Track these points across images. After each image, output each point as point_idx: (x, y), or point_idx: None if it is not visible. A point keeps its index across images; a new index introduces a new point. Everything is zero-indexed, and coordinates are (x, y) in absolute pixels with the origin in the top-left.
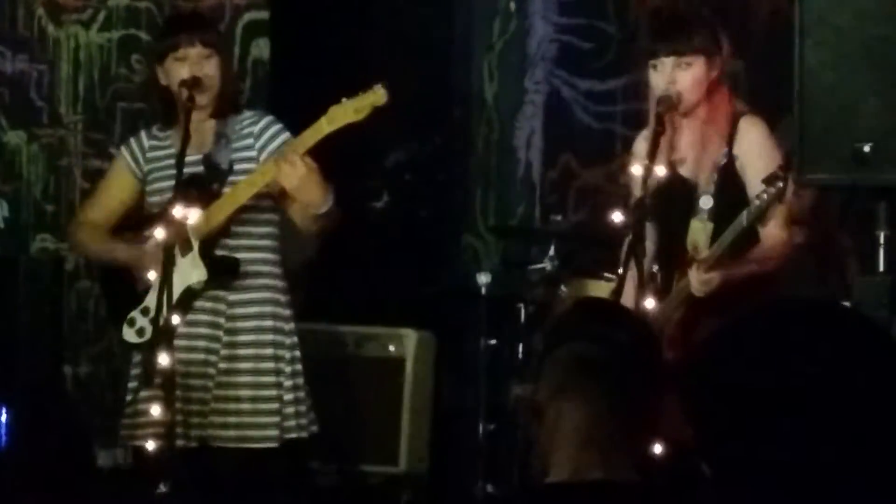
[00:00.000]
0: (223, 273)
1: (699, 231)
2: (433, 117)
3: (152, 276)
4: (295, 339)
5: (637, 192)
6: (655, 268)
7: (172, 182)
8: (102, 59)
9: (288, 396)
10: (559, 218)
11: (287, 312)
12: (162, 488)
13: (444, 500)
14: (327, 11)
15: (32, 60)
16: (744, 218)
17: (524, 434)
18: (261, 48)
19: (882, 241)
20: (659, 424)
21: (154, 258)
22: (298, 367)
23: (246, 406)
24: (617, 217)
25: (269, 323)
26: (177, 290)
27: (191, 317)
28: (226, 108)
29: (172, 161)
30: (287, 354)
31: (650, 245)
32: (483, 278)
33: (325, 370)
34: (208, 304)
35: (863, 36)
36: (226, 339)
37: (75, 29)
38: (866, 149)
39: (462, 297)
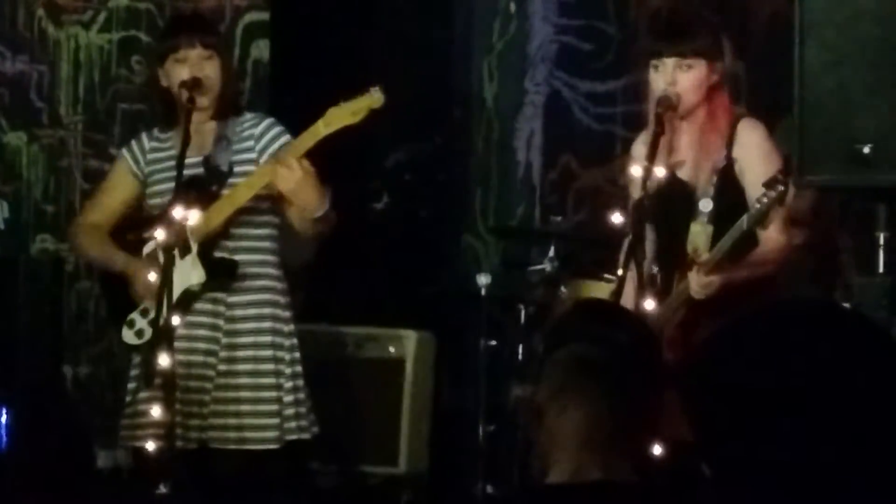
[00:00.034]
0: (221, 275)
1: (699, 234)
2: (433, 118)
3: (152, 277)
4: (294, 340)
5: (636, 193)
6: (655, 269)
7: (173, 184)
8: (102, 60)
9: (288, 398)
10: (559, 219)
11: (286, 314)
12: (162, 489)
13: (444, 501)
14: (327, 12)
15: (33, 61)
16: (744, 222)
17: (524, 435)
18: (261, 49)
19: (881, 242)
20: (659, 425)
21: (149, 268)
22: (298, 368)
23: (246, 408)
24: (617, 218)
25: (267, 324)
26: (176, 292)
27: (190, 318)
28: (226, 109)
29: (173, 163)
30: (286, 356)
31: (649, 247)
32: (483, 279)
33: (326, 371)
34: (208, 306)
35: (863, 37)
36: (225, 340)
37: (75, 30)
38: (866, 150)
39: (462, 298)
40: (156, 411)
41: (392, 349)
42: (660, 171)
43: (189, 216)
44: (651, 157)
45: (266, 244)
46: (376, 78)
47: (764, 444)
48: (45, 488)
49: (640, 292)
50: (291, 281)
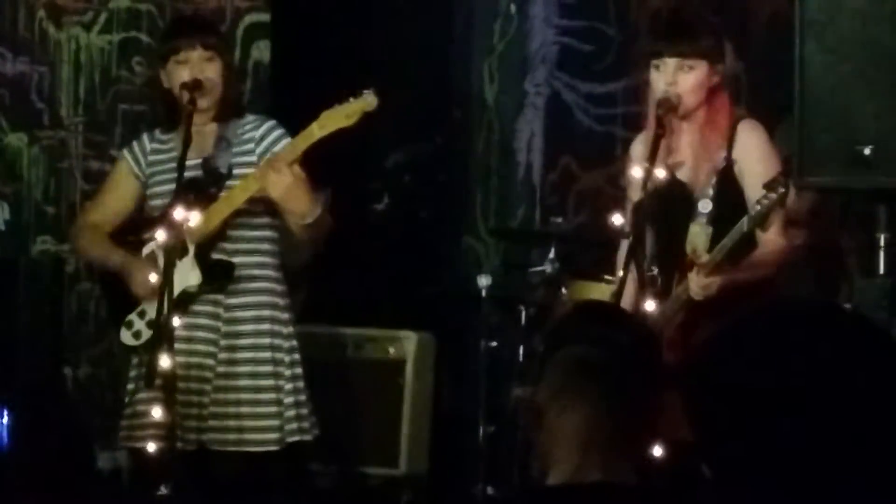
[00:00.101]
0: (218, 276)
1: (698, 235)
2: (433, 119)
3: (152, 277)
4: (294, 342)
5: (635, 194)
6: (654, 270)
7: (173, 185)
8: (103, 61)
9: (288, 399)
10: (559, 220)
11: (285, 316)
12: (162, 490)
13: (444, 502)
14: (328, 13)
15: (33, 62)
16: (744, 223)
17: (524, 436)
18: (261, 50)
19: (882, 243)
20: (658, 426)
21: (147, 272)
22: (298, 370)
23: (245, 409)
24: (617, 220)
25: (266, 326)
26: (174, 293)
27: (190, 320)
28: (228, 111)
29: (174, 164)
30: (286, 358)
31: (648, 247)
32: (483, 280)
33: (326, 372)
34: (207, 308)
35: (863, 38)
36: (224, 342)
37: (76, 31)
38: (867, 151)
39: (462, 299)
40: (156, 412)
41: (392, 350)
42: (660, 173)
43: (188, 218)
44: (651, 159)
45: (265, 246)
46: (376, 79)
47: (764, 444)
48: (46, 489)
49: (641, 293)
50: (291, 281)
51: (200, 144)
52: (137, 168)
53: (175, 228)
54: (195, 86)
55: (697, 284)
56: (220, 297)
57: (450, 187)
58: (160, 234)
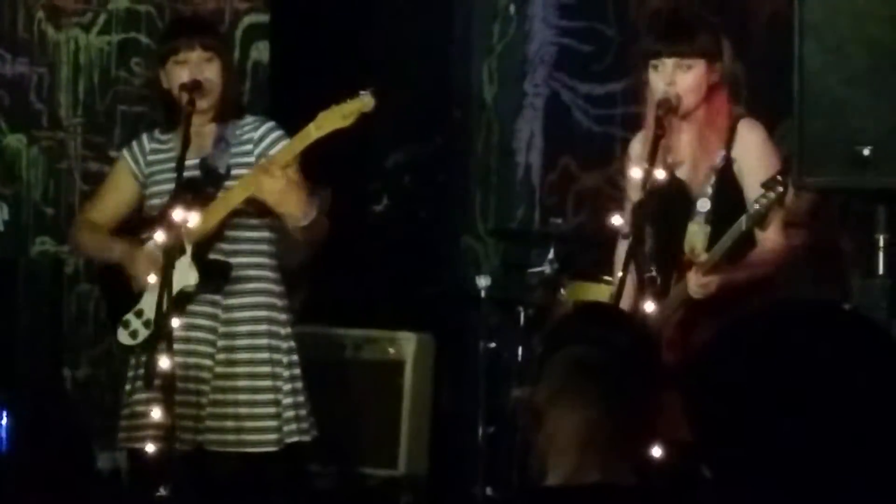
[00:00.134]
0: (215, 277)
1: (697, 234)
2: (433, 119)
3: (151, 278)
4: (292, 343)
5: (634, 194)
6: (653, 270)
7: (172, 185)
8: (102, 62)
9: (286, 400)
10: (559, 221)
11: (284, 317)
12: (161, 492)
13: (443, 503)
14: (327, 14)
15: (32, 63)
16: (743, 222)
17: (523, 437)
18: (261, 51)
19: (882, 244)
20: (658, 427)
21: (148, 261)
22: (297, 370)
23: (243, 410)
24: (616, 220)
25: (264, 327)
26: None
27: (188, 321)
28: (227, 112)
29: (173, 164)
30: (284, 358)
31: (647, 247)
32: (482, 281)
33: (325, 373)
34: (205, 309)
35: (863, 37)
36: (222, 343)
37: (75, 32)
38: (866, 152)
39: (461, 300)
40: (155, 413)
41: (391, 351)
42: (659, 174)
43: (186, 218)
44: (651, 160)
45: (262, 246)
46: (376, 79)
47: (764, 444)
48: (46, 489)
49: (640, 294)
50: (290, 282)
51: (199, 145)
52: (137, 168)
53: (173, 228)
54: (194, 86)
55: (696, 283)
56: (217, 297)
57: (449, 187)
58: (159, 234)
